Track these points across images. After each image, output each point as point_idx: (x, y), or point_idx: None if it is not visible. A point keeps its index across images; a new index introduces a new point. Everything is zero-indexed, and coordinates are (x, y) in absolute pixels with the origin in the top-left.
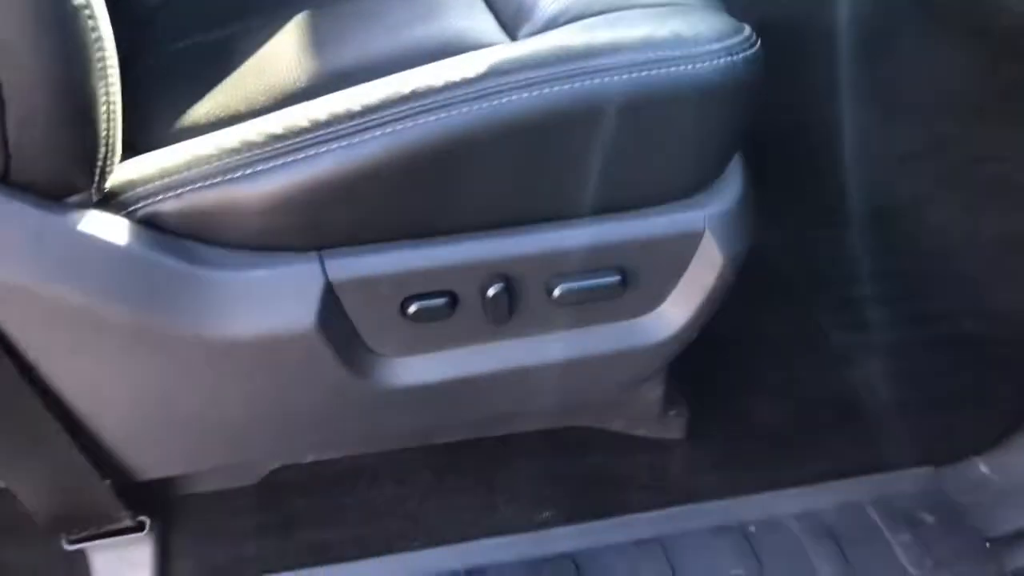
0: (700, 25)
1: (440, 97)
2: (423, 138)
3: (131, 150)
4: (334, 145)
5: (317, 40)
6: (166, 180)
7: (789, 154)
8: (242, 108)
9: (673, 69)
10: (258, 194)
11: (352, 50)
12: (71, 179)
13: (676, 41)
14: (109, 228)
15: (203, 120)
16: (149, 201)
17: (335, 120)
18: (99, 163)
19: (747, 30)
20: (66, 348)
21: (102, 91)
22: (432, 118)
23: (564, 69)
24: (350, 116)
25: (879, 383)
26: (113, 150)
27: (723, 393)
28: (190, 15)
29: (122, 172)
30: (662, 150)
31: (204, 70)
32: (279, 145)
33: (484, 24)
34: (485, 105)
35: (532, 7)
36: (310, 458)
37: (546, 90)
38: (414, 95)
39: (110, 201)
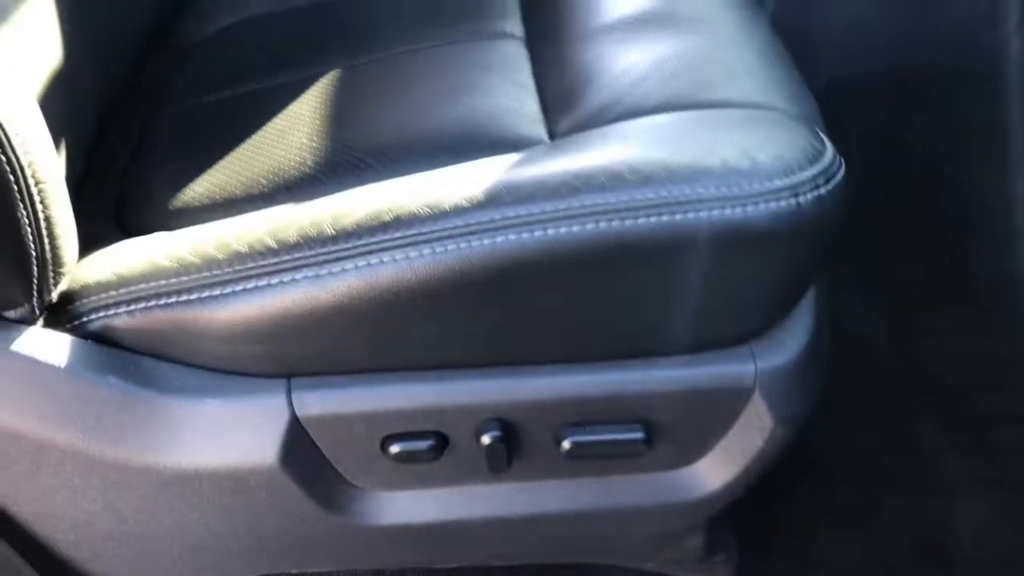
0: (765, 150)
1: (426, 230)
2: (403, 274)
3: (120, 230)
4: (302, 273)
5: (339, 110)
6: (120, 292)
7: (901, 215)
8: (239, 192)
9: (716, 212)
10: (217, 319)
11: (371, 128)
12: (4, 295)
13: (725, 175)
14: (51, 346)
15: (197, 202)
16: (101, 315)
17: (306, 244)
18: (34, 280)
19: (827, 158)
20: (8, 465)
21: (26, 214)
22: (414, 253)
23: (580, 205)
24: (323, 241)
25: (988, 528)
26: (54, 264)
27: (784, 523)
28: (224, 60)
29: (79, 274)
30: (699, 297)
31: (215, 134)
32: (241, 268)
33: (524, 106)
34: (476, 243)
35: (582, 91)
36: (293, 571)
37: (551, 231)
38: (397, 223)
39: (59, 311)
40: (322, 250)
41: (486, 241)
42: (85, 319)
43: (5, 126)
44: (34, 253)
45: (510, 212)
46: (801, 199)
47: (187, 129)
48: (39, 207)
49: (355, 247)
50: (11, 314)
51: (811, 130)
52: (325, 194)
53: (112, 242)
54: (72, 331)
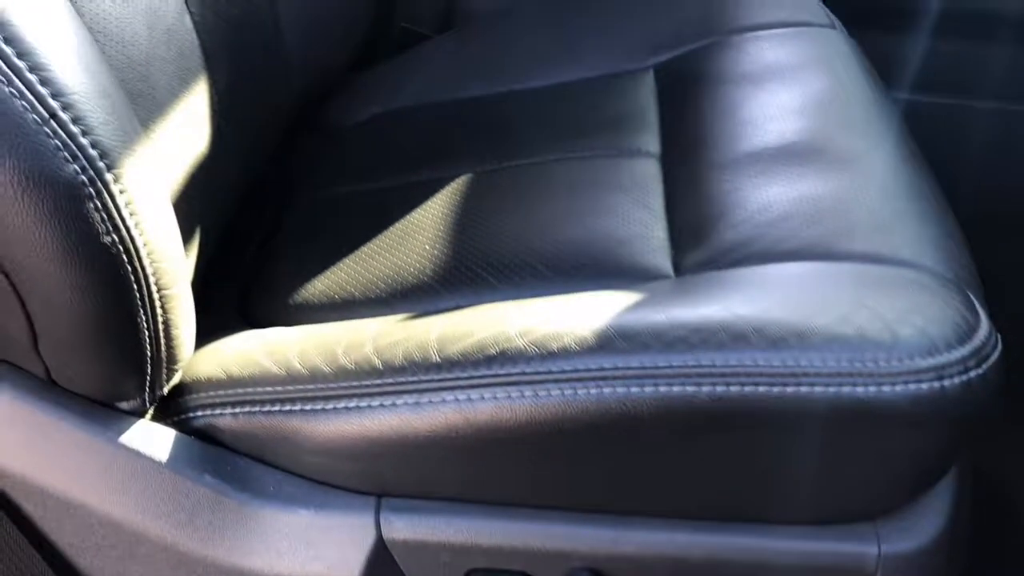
0: (909, 321)
1: (530, 370)
2: (503, 413)
3: (243, 319)
4: (403, 399)
5: (464, 217)
6: (227, 392)
7: None
8: (357, 294)
9: (848, 389)
10: (316, 432)
11: (493, 241)
12: (118, 389)
13: (861, 348)
14: (155, 439)
15: (316, 299)
16: (207, 412)
17: (410, 368)
18: (147, 377)
19: (981, 335)
20: (105, 550)
21: (144, 318)
22: (516, 393)
23: (697, 364)
24: (426, 367)
25: None
26: (168, 363)
27: None
28: (364, 152)
29: (192, 367)
30: (821, 472)
31: (343, 230)
32: (344, 384)
33: (651, 233)
34: (582, 391)
35: (714, 224)
36: None
37: (663, 388)
38: (502, 359)
39: (168, 403)
40: (424, 377)
41: (592, 391)
42: (191, 415)
43: (134, 234)
44: (149, 354)
45: (620, 362)
46: (946, 383)
47: (317, 221)
48: (159, 313)
49: (457, 379)
50: (123, 405)
51: (964, 298)
52: (441, 305)
53: (233, 331)
54: (178, 425)
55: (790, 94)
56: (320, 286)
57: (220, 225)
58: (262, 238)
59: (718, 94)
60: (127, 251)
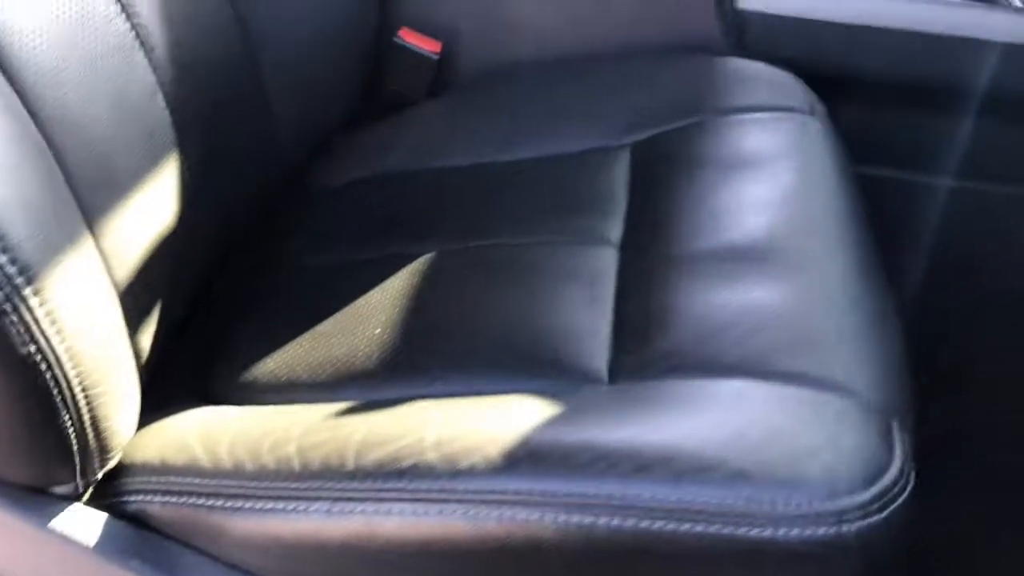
0: (819, 458)
1: (437, 487)
2: (408, 529)
3: (194, 393)
4: (316, 505)
5: (419, 301)
6: (159, 480)
7: None
8: (304, 376)
9: (743, 530)
10: (237, 528)
11: (442, 330)
12: (48, 476)
13: (762, 487)
14: (85, 524)
15: (263, 379)
16: (139, 498)
17: (326, 474)
18: (77, 467)
19: (891, 475)
20: None
21: (69, 417)
22: (422, 509)
23: (598, 494)
24: (341, 475)
25: None
26: (100, 454)
27: None
28: (337, 219)
29: (132, 448)
30: None
31: (302, 305)
32: (264, 485)
33: (596, 329)
34: (484, 513)
35: (658, 326)
36: None
37: (562, 517)
38: (412, 473)
39: (103, 486)
40: (338, 485)
41: (494, 512)
42: (124, 499)
43: (54, 342)
44: (77, 448)
45: (524, 486)
46: (845, 528)
47: (280, 291)
48: (85, 412)
49: (368, 490)
50: (57, 490)
51: (884, 431)
52: (383, 394)
53: (181, 407)
54: (110, 508)
55: (758, 186)
56: (270, 364)
57: (187, 292)
58: (225, 303)
59: (687, 179)
60: (46, 359)
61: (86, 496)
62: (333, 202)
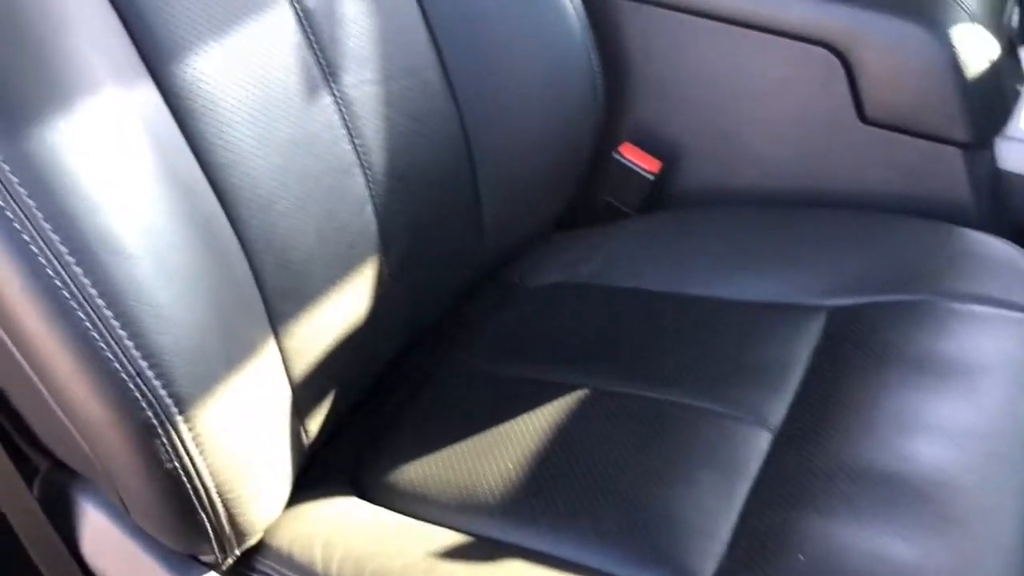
0: None
1: None
2: None
3: (346, 481)
4: None
5: (557, 443)
6: (283, 571)
7: None
8: (432, 493)
9: None
10: None
11: (566, 480)
12: (192, 547)
13: None
14: None
15: (400, 484)
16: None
17: None
18: (214, 545)
19: None
20: None
21: (205, 510)
22: None
23: None
24: None
25: None
26: (236, 540)
27: None
28: (523, 325)
29: (272, 530)
30: None
31: (455, 416)
32: None
33: (715, 531)
34: None
35: (778, 551)
36: None
37: None
38: None
39: (245, 559)
40: None
41: None
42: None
43: (197, 461)
44: (213, 536)
45: None
46: None
47: (443, 394)
48: (221, 511)
49: None
50: (203, 558)
51: None
52: (494, 534)
53: (329, 494)
54: None
55: (956, 404)
56: (409, 470)
57: (363, 382)
58: (396, 392)
59: (877, 370)
60: (187, 474)
61: (226, 565)
62: (523, 304)
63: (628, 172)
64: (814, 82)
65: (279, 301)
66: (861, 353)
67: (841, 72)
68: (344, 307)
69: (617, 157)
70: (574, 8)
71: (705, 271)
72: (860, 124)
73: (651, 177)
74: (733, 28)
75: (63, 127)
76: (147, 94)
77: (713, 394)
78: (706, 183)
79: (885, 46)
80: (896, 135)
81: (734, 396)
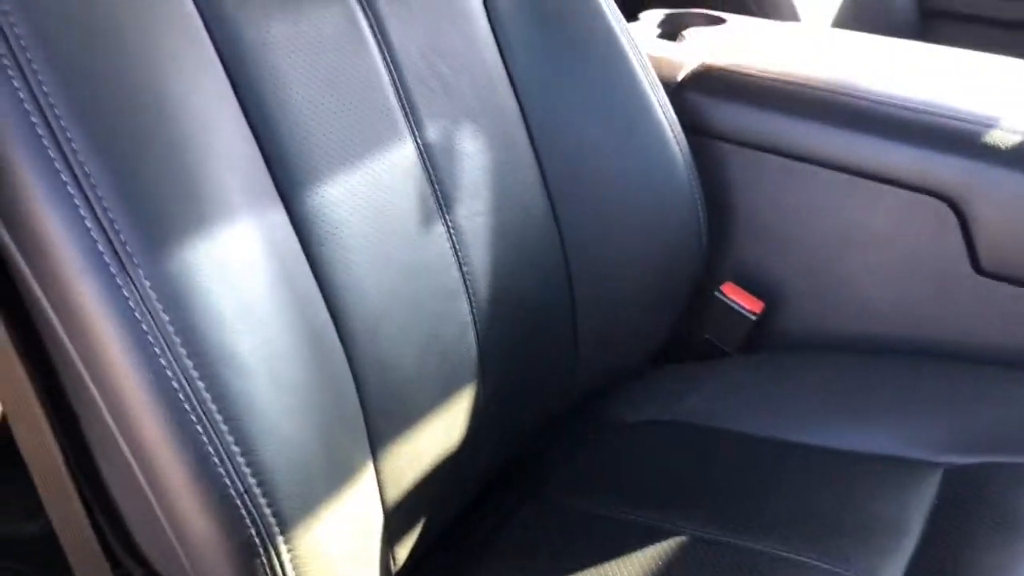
0: None
1: None
2: None
3: None
4: None
5: None
6: None
7: None
8: None
9: None
10: None
11: None
12: None
13: None
14: None
15: None
16: None
17: None
18: None
19: None
20: None
21: None
22: None
23: None
24: None
25: None
26: None
27: None
28: (615, 463)
29: None
30: None
31: (537, 553)
32: None
33: None
34: None
35: None
36: None
37: None
38: None
39: None
40: None
41: None
42: None
43: None
44: None
45: None
46: None
47: (527, 528)
48: None
49: None
50: None
51: None
52: None
53: None
54: None
55: None
56: None
57: (454, 508)
58: (483, 531)
59: (1005, 538)
60: None
61: None
62: (615, 439)
63: (730, 311)
64: (924, 231)
65: (379, 422)
66: (986, 519)
67: (954, 222)
68: (440, 432)
69: (719, 296)
70: (679, 148)
71: (807, 417)
72: (974, 275)
73: (753, 318)
74: (839, 174)
75: (200, 247)
76: (276, 218)
77: (818, 548)
78: (809, 326)
79: (1004, 200)
80: (1016, 288)
81: (843, 552)
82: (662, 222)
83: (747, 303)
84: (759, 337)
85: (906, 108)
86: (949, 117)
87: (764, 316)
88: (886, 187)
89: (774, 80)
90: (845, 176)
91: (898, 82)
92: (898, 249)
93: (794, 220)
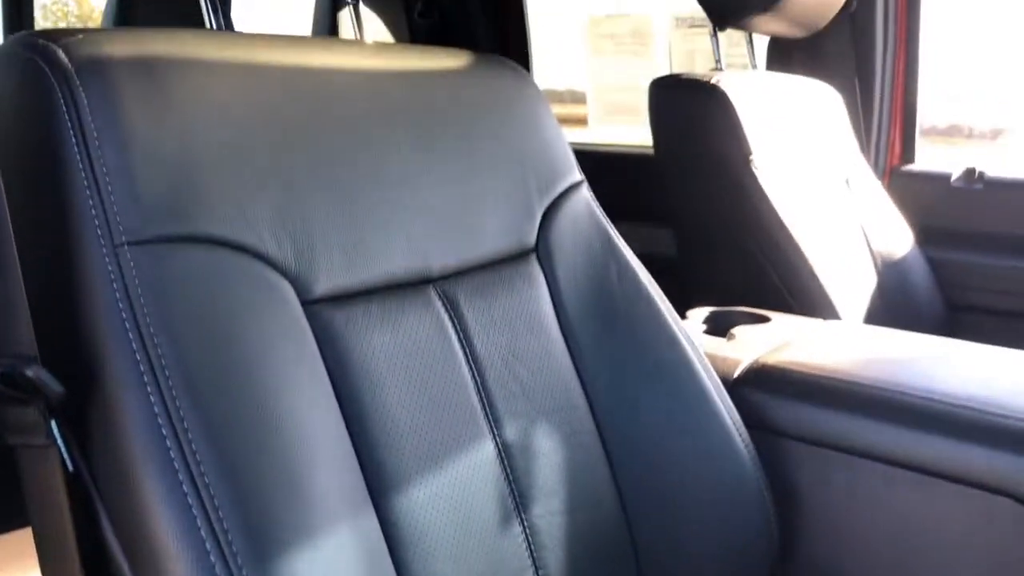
0: None
1: None
2: None
3: None
4: None
5: None
6: None
7: None
8: None
9: None
10: None
11: None
12: None
13: None
14: None
15: None
16: None
17: None
18: None
19: None
20: None
21: None
22: None
23: None
24: None
25: None
26: None
27: None
28: None
29: None
30: None
31: None
32: None
33: None
34: None
35: None
36: None
37: None
38: None
39: None
40: None
41: None
42: None
43: None
44: None
45: None
46: None
47: None
48: None
49: None
50: None
51: None
52: None
53: None
54: None
55: None
56: None
57: None
58: None
59: None
60: None
61: None
62: None
63: None
64: (1004, 532)
65: None
66: None
67: None
68: None
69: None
70: (743, 444)
71: None
72: None
73: None
74: (910, 473)
75: (301, 555)
76: (368, 522)
77: None
78: None
79: None
80: None
81: None
82: (731, 519)
83: None
84: None
85: (970, 408)
86: (1017, 418)
87: None
88: (960, 487)
89: (833, 378)
90: (916, 475)
91: (955, 382)
92: (975, 552)
93: (865, 518)
